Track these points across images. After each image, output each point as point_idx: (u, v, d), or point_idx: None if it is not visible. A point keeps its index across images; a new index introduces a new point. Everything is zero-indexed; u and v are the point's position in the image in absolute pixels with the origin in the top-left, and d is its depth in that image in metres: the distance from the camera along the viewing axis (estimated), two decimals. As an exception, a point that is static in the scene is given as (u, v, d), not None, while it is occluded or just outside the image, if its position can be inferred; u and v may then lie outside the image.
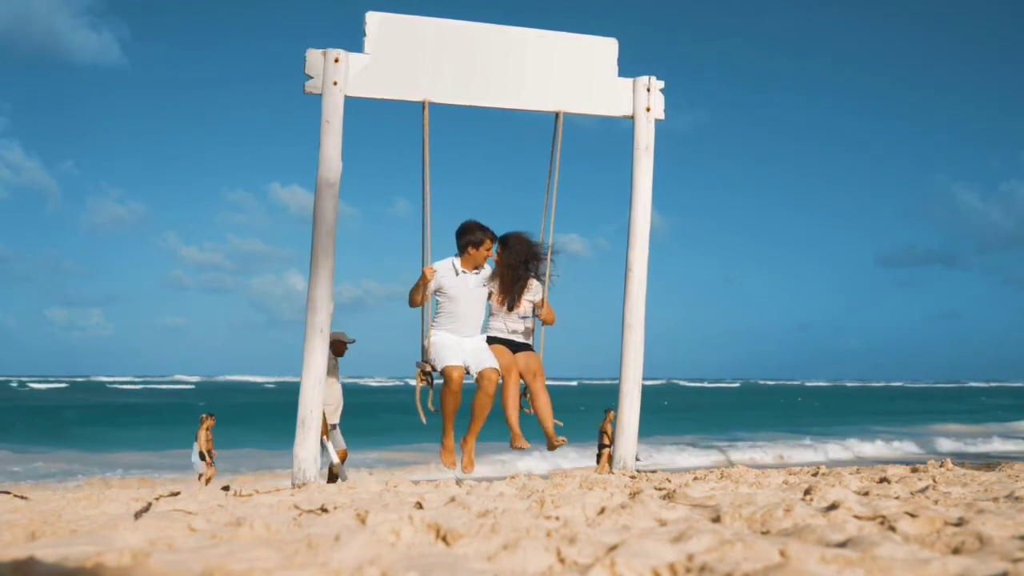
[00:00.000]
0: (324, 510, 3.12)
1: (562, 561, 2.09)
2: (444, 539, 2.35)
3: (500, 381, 5.35)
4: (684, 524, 2.63)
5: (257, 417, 36.00)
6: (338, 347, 8.35)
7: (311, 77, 5.20)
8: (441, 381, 5.37)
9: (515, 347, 5.65)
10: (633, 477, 4.82)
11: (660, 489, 3.84)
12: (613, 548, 2.13)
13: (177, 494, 3.95)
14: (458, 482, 4.46)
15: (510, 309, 5.65)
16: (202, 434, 13.25)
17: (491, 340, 5.62)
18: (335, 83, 5.18)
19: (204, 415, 13.52)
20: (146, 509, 3.27)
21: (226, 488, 4.39)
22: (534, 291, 5.67)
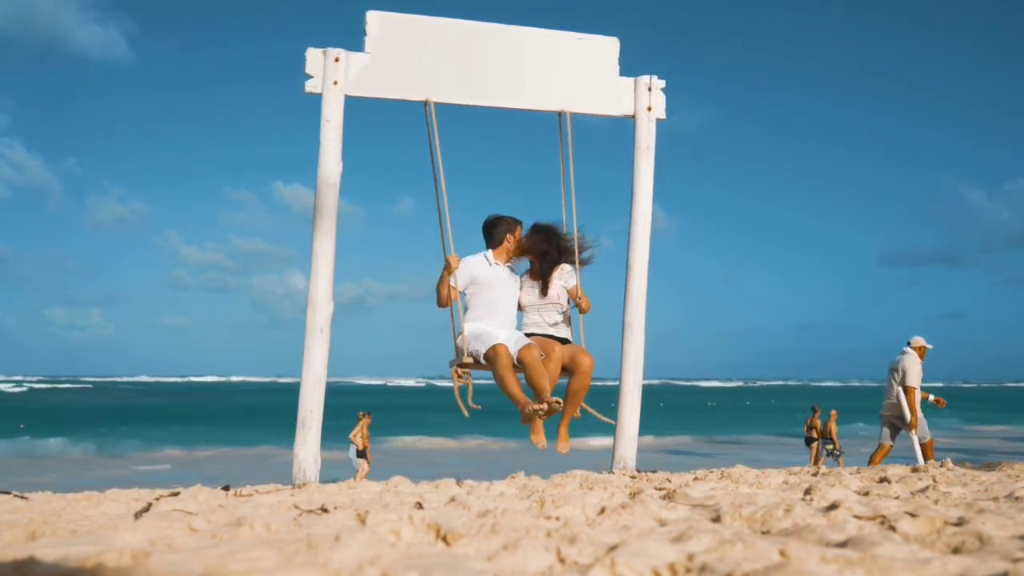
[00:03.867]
0: (324, 510, 3.12)
1: (562, 561, 2.09)
2: (444, 539, 2.35)
3: (541, 356, 5.11)
4: (684, 524, 2.63)
5: (261, 416, 35.99)
6: None
7: (311, 76, 5.20)
8: (495, 368, 5.08)
9: (557, 342, 5.46)
10: (633, 477, 4.82)
11: (660, 489, 3.84)
12: (613, 548, 2.13)
13: (177, 494, 3.95)
14: (458, 482, 4.46)
15: (543, 293, 5.52)
16: (359, 432, 13.54)
17: (529, 336, 5.45)
18: (335, 82, 5.18)
19: (361, 413, 13.84)
20: (146, 509, 3.27)
21: (226, 488, 4.38)
22: (567, 276, 5.58)
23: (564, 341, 5.53)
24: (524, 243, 5.59)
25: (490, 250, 5.56)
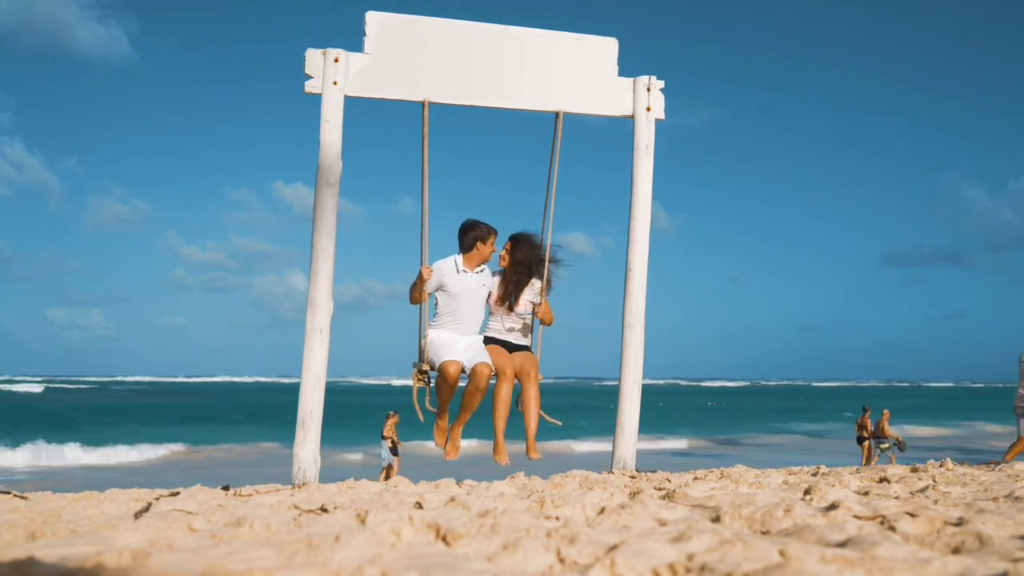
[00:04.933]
0: (324, 510, 3.12)
1: (562, 561, 2.09)
2: (444, 539, 2.35)
3: (493, 378, 5.36)
4: (684, 524, 2.63)
5: (261, 416, 35.99)
6: None
7: (311, 77, 5.20)
8: (437, 380, 5.37)
9: (512, 348, 5.67)
10: (633, 477, 4.82)
11: (660, 489, 3.84)
12: (613, 548, 2.13)
13: (177, 494, 3.95)
14: (458, 482, 4.46)
15: (510, 309, 5.66)
16: (389, 429, 13.91)
17: (488, 340, 5.64)
18: (335, 83, 5.18)
19: (390, 412, 14.24)
20: (146, 509, 3.27)
21: (226, 488, 4.38)
22: (535, 291, 5.68)
23: (521, 347, 5.71)
24: (502, 252, 5.68)
25: (460, 255, 5.61)
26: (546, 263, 5.59)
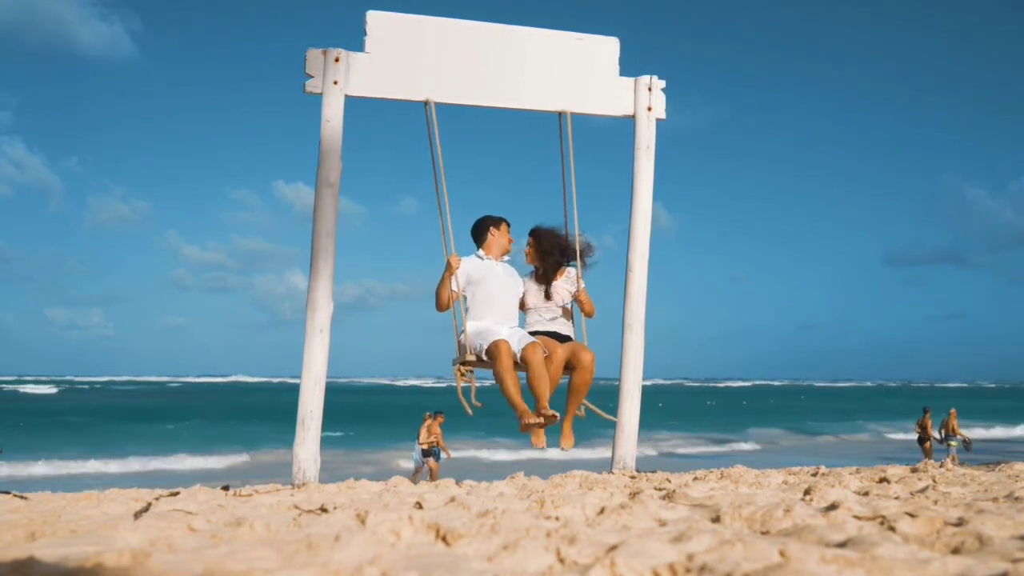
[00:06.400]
0: (324, 510, 3.12)
1: (562, 561, 2.09)
2: (444, 539, 2.35)
3: (544, 353, 5.10)
4: (684, 524, 2.63)
5: (261, 416, 36.00)
6: None
7: (311, 76, 5.20)
8: (494, 368, 5.07)
9: (560, 338, 5.47)
10: (633, 477, 4.82)
11: (660, 489, 3.84)
12: (613, 548, 2.13)
13: (177, 494, 3.95)
14: (458, 482, 4.46)
15: (547, 297, 5.52)
16: (425, 432, 13.89)
17: (532, 334, 5.42)
18: (335, 83, 5.18)
19: (428, 413, 14.20)
20: (146, 509, 3.27)
21: (226, 488, 4.38)
22: (571, 280, 5.57)
23: (566, 338, 5.51)
24: (526, 248, 5.62)
25: (480, 249, 5.57)
26: (577, 249, 5.47)
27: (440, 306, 5.34)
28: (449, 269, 5.27)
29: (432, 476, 13.42)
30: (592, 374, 5.28)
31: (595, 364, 5.27)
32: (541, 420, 4.97)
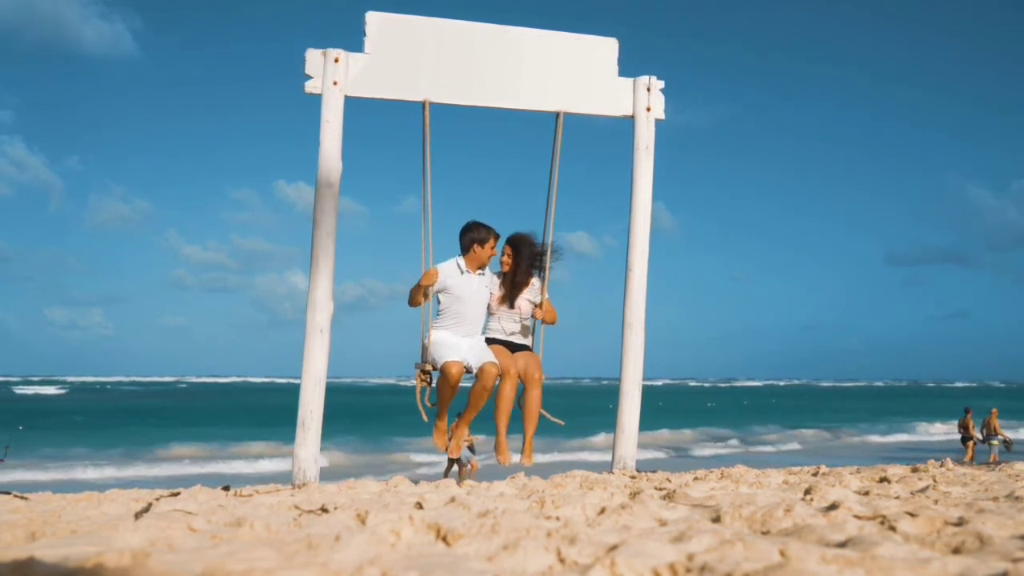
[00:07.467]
0: (324, 510, 3.12)
1: (562, 561, 2.09)
2: (444, 539, 2.35)
3: (499, 377, 5.33)
4: (684, 524, 2.63)
5: (261, 416, 36.00)
6: None
7: (311, 77, 5.20)
8: (438, 380, 5.32)
9: (513, 348, 5.65)
10: (633, 477, 4.82)
11: (660, 489, 3.84)
12: (613, 548, 2.13)
13: (177, 494, 3.95)
14: (459, 482, 4.46)
15: (510, 307, 5.64)
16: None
17: (489, 341, 5.62)
18: (335, 83, 5.18)
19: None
20: (146, 509, 3.27)
21: (226, 488, 4.38)
22: (535, 291, 5.67)
23: (522, 347, 5.68)
24: (503, 257, 5.66)
25: (461, 257, 5.58)
26: (547, 260, 5.58)
27: (411, 304, 5.51)
28: (422, 282, 5.37)
29: (471, 473, 13.58)
30: (540, 390, 5.56)
31: (542, 381, 5.56)
32: (454, 458, 5.36)
